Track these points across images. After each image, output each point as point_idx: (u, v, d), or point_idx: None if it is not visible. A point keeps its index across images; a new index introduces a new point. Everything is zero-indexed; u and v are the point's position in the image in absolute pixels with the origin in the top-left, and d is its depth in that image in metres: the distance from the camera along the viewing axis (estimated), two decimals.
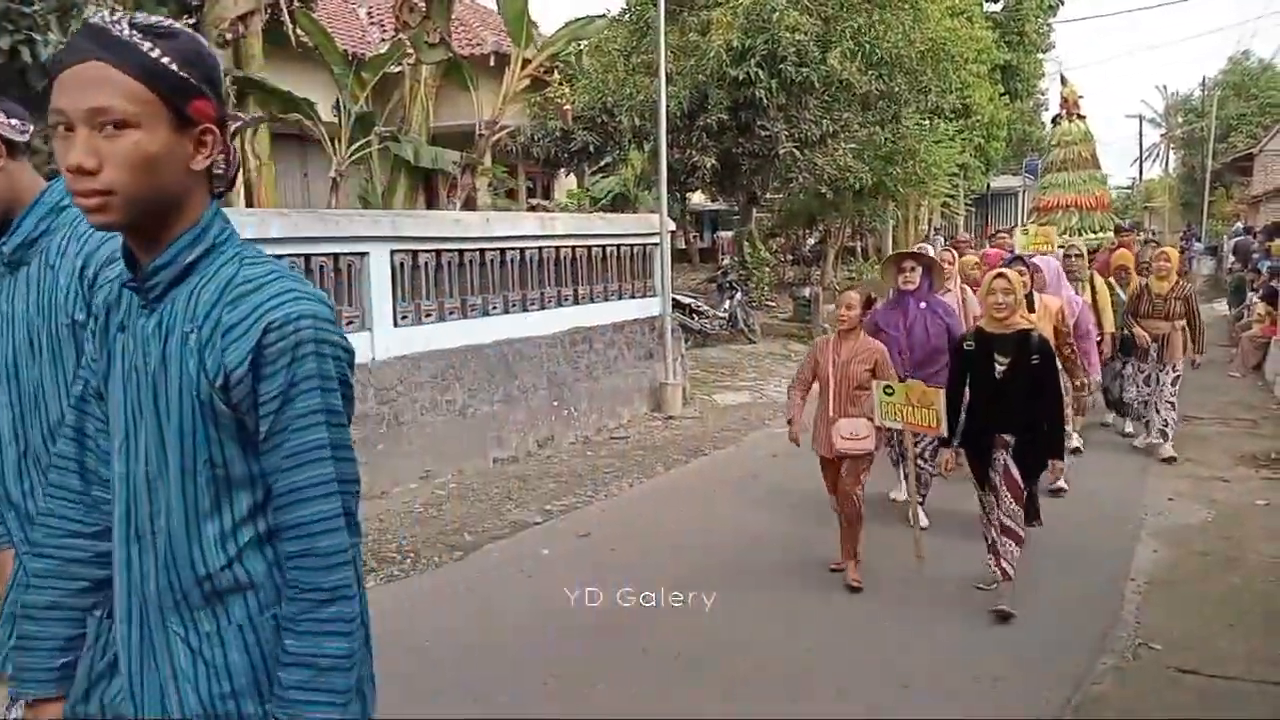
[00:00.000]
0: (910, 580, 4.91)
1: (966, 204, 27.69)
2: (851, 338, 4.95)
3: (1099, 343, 7.65)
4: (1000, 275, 4.68)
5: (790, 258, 21.57)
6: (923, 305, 5.82)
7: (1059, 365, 5.17)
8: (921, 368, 5.61)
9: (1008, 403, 4.54)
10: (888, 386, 4.78)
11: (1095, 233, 13.21)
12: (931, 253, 7.44)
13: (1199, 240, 30.83)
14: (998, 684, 3.78)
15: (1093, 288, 7.86)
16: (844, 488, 4.91)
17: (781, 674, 3.80)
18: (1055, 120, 15.73)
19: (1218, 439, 8.28)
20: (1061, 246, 9.64)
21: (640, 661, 4.04)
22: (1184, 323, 7.47)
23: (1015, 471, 4.53)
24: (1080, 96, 13.42)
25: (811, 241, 22.18)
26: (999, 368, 4.54)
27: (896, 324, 5.84)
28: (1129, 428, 8.45)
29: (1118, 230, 11.99)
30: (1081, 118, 14.17)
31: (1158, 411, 7.54)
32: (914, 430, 4.85)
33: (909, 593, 4.78)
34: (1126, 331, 7.81)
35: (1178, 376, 7.55)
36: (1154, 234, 25.61)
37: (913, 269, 5.88)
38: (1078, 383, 6.17)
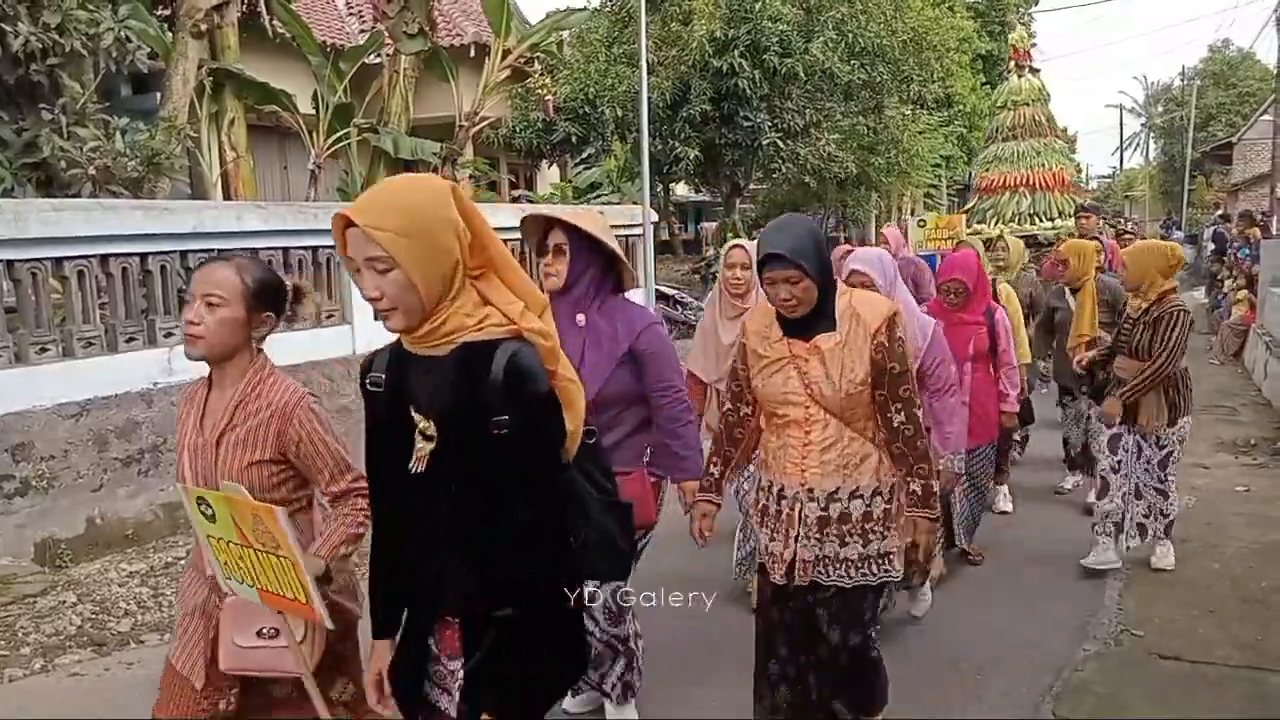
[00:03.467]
0: None
1: (950, 194, 27.80)
2: (234, 370, 2.26)
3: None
4: None
5: None
6: (580, 321, 2.96)
7: (873, 450, 2.69)
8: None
9: (439, 532, 1.88)
10: (200, 500, 2.13)
11: (1053, 220, 9.92)
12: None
13: (1179, 229, 31.04)
14: (979, 673, 3.78)
15: (995, 296, 5.28)
16: None
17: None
18: (1001, 75, 12.48)
19: (1198, 426, 8.26)
20: (964, 239, 7.03)
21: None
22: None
23: None
24: (1033, 43, 11.35)
25: None
26: (419, 443, 1.84)
27: None
28: (1069, 483, 6.20)
29: (1079, 212, 8.10)
30: (1034, 71, 10.93)
31: (1138, 495, 4.71)
32: (287, 611, 2.15)
33: None
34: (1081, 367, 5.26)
35: (1167, 455, 4.62)
36: (1135, 223, 25.76)
37: (558, 249, 2.94)
38: (915, 485, 2.67)
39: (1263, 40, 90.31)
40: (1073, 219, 9.02)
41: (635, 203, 11.92)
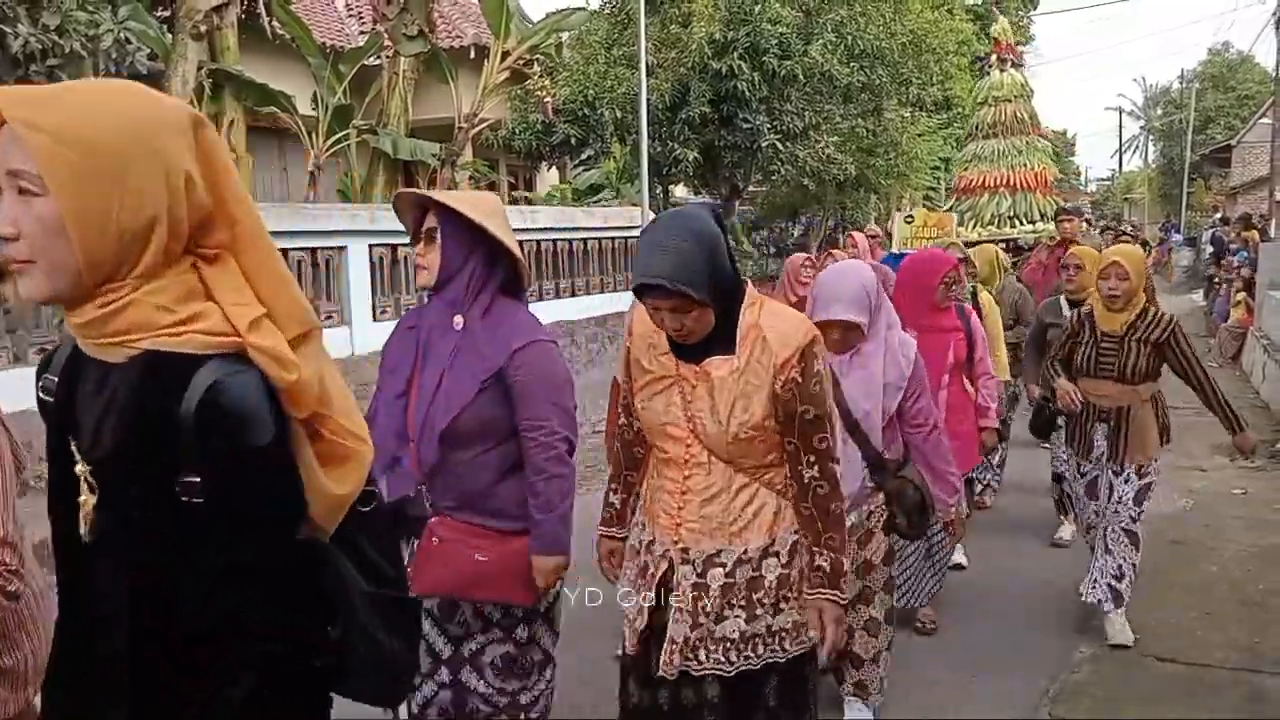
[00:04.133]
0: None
1: (949, 196, 27.83)
2: None
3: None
4: None
5: (774, 250, 21.64)
6: (457, 324, 2.34)
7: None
8: (446, 482, 2.34)
9: (102, 634, 1.27)
10: None
11: (1033, 222, 9.18)
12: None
13: (1177, 231, 31.09)
14: (974, 676, 3.78)
15: (977, 307, 4.65)
16: None
17: None
18: (983, 70, 11.61)
19: (1195, 428, 8.30)
20: (944, 241, 6.42)
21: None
22: (1152, 387, 3.96)
23: None
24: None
25: (796, 233, 22.23)
26: (83, 493, 1.24)
27: (401, 363, 2.43)
28: (1066, 532, 5.22)
29: (1060, 215, 7.03)
30: (1017, 66, 10.35)
31: (1107, 550, 3.98)
32: None
33: None
34: (1047, 398, 4.26)
35: (1146, 486, 3.97)
36: (1134, 225, 25.79)
37: (429, 236, 2.38)
38: (821, 560, 2.11)
39: (1261, 43, 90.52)
40: (1055, 223, 7.77)
41: (634, 204, 11.93)
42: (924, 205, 25.65)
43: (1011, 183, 9.46)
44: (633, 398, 2.24)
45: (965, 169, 10.06)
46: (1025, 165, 9.44)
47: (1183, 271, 25.17)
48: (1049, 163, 9.72)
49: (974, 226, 9.56)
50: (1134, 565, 4.01)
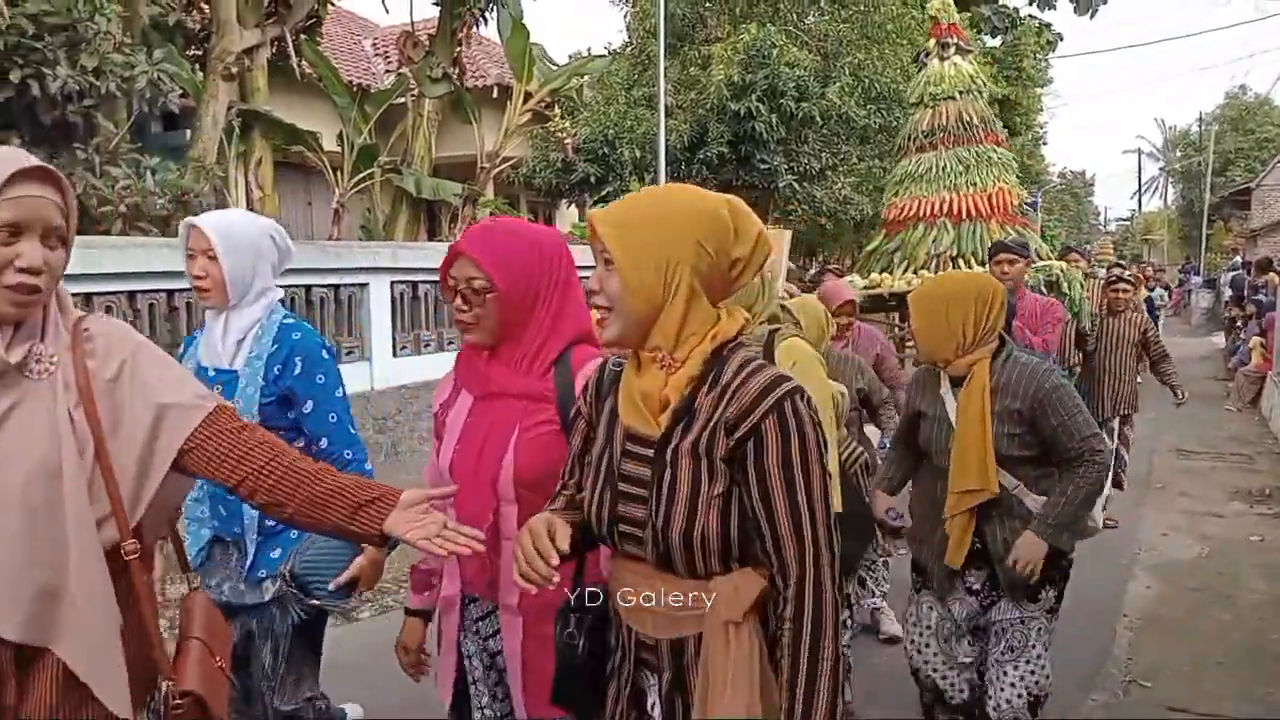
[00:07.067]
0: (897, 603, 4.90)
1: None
2: None
3: None
4: None
5: None
6: None
7: None
8: None
9: None
10: None
11: (983, 263, 6.18)
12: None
13: (1197, 274, 30.98)
14: None
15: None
16: None
17: None
18: (918, 60, 8.66)
19: (1212, 473, 8.29)
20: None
21: None
22: (757, 583, 1.43)
23: None
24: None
25: (811, 272, 22.32)
26: None
27: None
28: None
29: (993, 254, 5.00)
30: (964, 52, 7.55)
31: None
32: None
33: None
34: None
35: None
36: (1156, 267, 25.67)
37: None
38: None
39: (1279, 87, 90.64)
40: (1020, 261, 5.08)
41: None
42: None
43: (955, 209, 6.89)
44: None
45: (895, 194, 7.49)
46: (975, 184, 6.87)
47: (1202, 314, 25.05)
48: (1010, 181, 7.05)
49: (905, 271, 6.95)
50: None
